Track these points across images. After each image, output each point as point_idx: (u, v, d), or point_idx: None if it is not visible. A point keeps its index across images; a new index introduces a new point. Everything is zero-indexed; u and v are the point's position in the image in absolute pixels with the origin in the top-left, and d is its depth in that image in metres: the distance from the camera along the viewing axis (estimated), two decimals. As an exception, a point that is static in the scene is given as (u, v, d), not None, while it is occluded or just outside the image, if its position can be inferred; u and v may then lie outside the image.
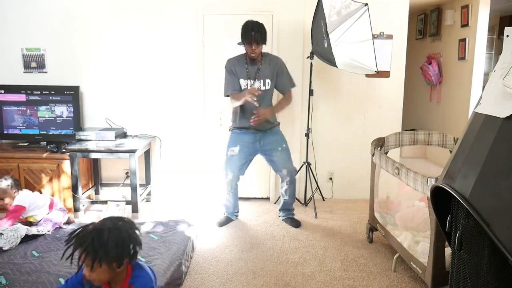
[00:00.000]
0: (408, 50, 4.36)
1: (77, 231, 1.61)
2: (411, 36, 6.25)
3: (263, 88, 3.36)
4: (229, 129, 3.60)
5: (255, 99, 3.14)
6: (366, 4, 3.59)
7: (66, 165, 3.73)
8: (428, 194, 2.25)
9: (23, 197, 3.14)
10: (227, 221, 3.68)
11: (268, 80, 3.38)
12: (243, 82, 3.37)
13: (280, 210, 3.79)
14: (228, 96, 3.43)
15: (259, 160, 3.66)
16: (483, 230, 1.45)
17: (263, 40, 3.26)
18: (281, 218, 3.77)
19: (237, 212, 3.79)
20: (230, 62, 3.43)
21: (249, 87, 3.32)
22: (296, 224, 3.63)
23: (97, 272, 1.55)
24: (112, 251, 1.55)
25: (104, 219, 1.66)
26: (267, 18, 4.03)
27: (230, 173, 3.51)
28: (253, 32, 3.19)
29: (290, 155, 3.60)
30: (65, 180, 3.80)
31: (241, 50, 4.16)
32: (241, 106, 3.38)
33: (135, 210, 3.70)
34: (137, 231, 1.68)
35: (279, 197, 3.85)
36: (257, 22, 3.25)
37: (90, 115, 4.25)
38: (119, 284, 1.65)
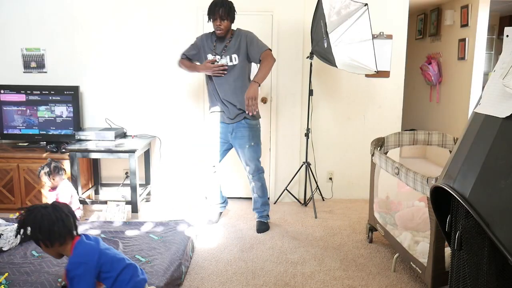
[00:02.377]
0: (408, 50, 4.37)
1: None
2: (411, 36, 6.26)
3: (230, 63, 3.30)
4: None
5: (217, 73, 3.25)
6: (366, 4, 3.59)
7: (66, 165, 3.72)
8: (428, 194, 2.25)
9: (70, 190, 3.50)
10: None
11: (235, 55, 3.29)
12: (210, 57, 3.35)
13: (253, 210, 3.67)
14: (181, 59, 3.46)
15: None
16: (482, 230, 1.45)
17: (229, 17, 3.21)
18: (254, 211, 3.67)
19: (220, 203, 3.73)
20: (201, 36, 3.45)
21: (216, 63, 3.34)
22: (259, 228, 3.49)
23: (45, 250, 1.94)
24: (36, 235, 1.88)
25: (36, 208, 1.92)
26: (267, 18, 4.04)
27: (216, 160, 3.56)
28: (217, 8, 3.16)
29: (258, 153, 3.47)
30: (65, 180, 3.80)
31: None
32: (209, 92, 3.45)
33: (134, 210, 3.70)
34: (62, 214, 1.92)
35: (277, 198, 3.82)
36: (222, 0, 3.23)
37: (90, 115, 4.25)
38: (68, 256, 1.96)
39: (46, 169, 3.38)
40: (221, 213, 3.77)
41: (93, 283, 1.91)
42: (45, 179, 3.41)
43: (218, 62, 3.31)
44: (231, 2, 3.24)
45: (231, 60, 3.30)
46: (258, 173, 3.52)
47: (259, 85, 3.17)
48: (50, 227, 1.87)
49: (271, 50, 3.30)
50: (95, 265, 1.91)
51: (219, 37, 3.31)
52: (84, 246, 1.96)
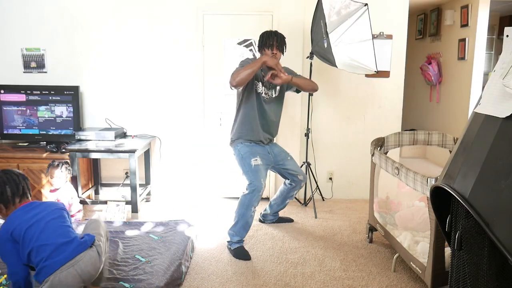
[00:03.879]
0: (408, 50, 4.37)
1: None
2: (411, 36, 6.26)
3: (273, 95, 3.30)
4: (233, 140, 3.30)
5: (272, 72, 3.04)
6: (366, 4, 3.59)
7: (66, 165, 3.73)
8: (428, 194, 2.25)
9: (71, 192, 3.50)
10: (245, 250, 3.12)
11: (278, 87, 3.31)
12: (260, 86, 3.22)
13: (273, 214, 3.66)
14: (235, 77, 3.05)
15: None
16: (482, 230, 1.45)
17: (283, 47, 3.25)
18: (268, 222, 3.68)
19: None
20: (247, 59, 3.27)
21: (263, 93, 3.23)
22: (289, 219, 3.74)
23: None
24: None
25: None
26: (267, 18, 4.04)
27: (264, 182, 3.12)
28: (276, 37, 3.20)
29: None
30: (65, 180, 3.80)
31: (241, 49, 4.17)
32: (248, 118, 3.24)
33: (135, 210, 3.70)
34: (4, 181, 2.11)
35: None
36: (278, 31, 3.25)
37: (90, 115, 4.25)
38: None
39: (56, 164, 3.45)
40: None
41: (11, 251, 2.03)
42: (58, 173, 3.42)
43: (265, 94, 3.26)
44: (283, 35, 3.27)
45: (275, 92, 3.32)
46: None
47: (291, 79, 3.16)
48: None
49: None
50: (8, 239, 2.02)
51: (267, 67, 3.19)
52: (7, 221, 2.08)
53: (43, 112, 4.05)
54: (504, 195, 1.38)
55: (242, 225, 3.11)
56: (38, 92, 4.02)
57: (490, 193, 1.44)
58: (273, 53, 3.19)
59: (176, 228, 3.18)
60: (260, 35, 3.26)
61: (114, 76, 4.18)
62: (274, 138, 3.50)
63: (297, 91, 3.44)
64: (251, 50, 4.06)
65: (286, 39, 3.27)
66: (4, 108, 4.05)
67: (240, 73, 2.99)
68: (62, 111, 4.05)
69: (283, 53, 3.27)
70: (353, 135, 4.31)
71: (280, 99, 3.37)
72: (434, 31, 5.80)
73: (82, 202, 3.72)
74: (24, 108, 4.06)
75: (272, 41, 3.19)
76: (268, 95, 3.27)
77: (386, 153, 3.14)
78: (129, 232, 3.10)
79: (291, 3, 4.06)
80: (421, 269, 2.47)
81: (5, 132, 4.09)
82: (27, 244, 2.00)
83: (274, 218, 3.70)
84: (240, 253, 3.06)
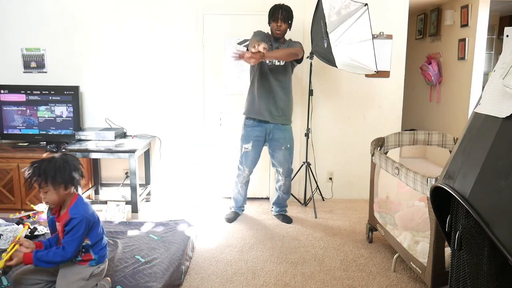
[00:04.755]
0: (408, 50, 4.37)
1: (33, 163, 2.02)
2: (411, 36, 6.26)
3: (277, 63, 3.46)
4: (244, 115, 3.64)
5: (256, 49, 3.07)
6: (366, 4, 3.59)
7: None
8: (428, 194, 2.25)
9: None
10: (235, 216, 3.77)
11: None
12: None
13: (273, 204, 3.88)
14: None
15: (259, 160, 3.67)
16: (482, 230, 1.45)
17: (288, 20, 3.46)
18: (273, 213, 3.87)
19: (244, 206, 3.87)
20: (259, 31, 3.54)
21: (266, 62, 3.42)
22: (288, 220, 3.73)
23: (48, 194, 2.01)
24: (52, 174, 1.99)
25: (53, 156, 2.09)
26: (267, 18, 4.03)
27: (246, 169, 3.62)
28: (281, 10, 3.41)
29: (292, 155, 3.70)
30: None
31: (241, 49, 4.20)
32: (254, 94, 3.50)
33: (135, 210, 3.70)
34: (78, 165, 2.11)
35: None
36: (285, 4, 3.48)
37: (90, 115, 4.25)
38: (65, 209, 2.09)
39: None
40: (239, 215, 3.86)
41: (84, 235, 2.10)
42: None
43: (268, 61, 3.42)
44: (291, 8, 3.48)
45: (278, 61, 3.48)
46: (290, 174, 3.73)
47: (263, 56, 3.18)
48: (61, 166, 2.02)
49: (302, 50, 3.50)
50: (89, 226, 2.11)
51: (275, 38, 3.53)
52: (86, 205, 2.14)
53: (43, 112, 4.05)
54: (504, 195, 1.38)
55: (233, 197, 3.81)
56: (38, 92, 4.02)
57: (490, 193, 1.44)
58: (278, 25, 3.41)
59: (176, 228, 3.18)
60: (270, 8, 3.48)
61: (114, 76, 4.18)
62: (288, 125, 3.63)
63: (297, 61, 3.57)
64: (251, 50, 4.07)
65: (291, 10, 3.48)
66: (4, 108, 4.05)
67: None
68: (62, 111, 4.05)
69: (289, 25, 3.50)
70: (353, 135, 4.31)
71: (285, 71, 3.51)
72: (434, 31, 5.80)
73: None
74: (24, 108, 4.06)
75: (277, 14, 3.41)
76: (272, 62, 3.44)
77: (386, 153, 3.14)
78: (129, 232, 3.10)
79: (291, 3, 4.04)
80: (421, 269, 2.47)
81: (5, 132, 4.09)
82: (102, 231, 2.22)
83: (277, 210, 3.85)
84: (226, 214, 3.75)
